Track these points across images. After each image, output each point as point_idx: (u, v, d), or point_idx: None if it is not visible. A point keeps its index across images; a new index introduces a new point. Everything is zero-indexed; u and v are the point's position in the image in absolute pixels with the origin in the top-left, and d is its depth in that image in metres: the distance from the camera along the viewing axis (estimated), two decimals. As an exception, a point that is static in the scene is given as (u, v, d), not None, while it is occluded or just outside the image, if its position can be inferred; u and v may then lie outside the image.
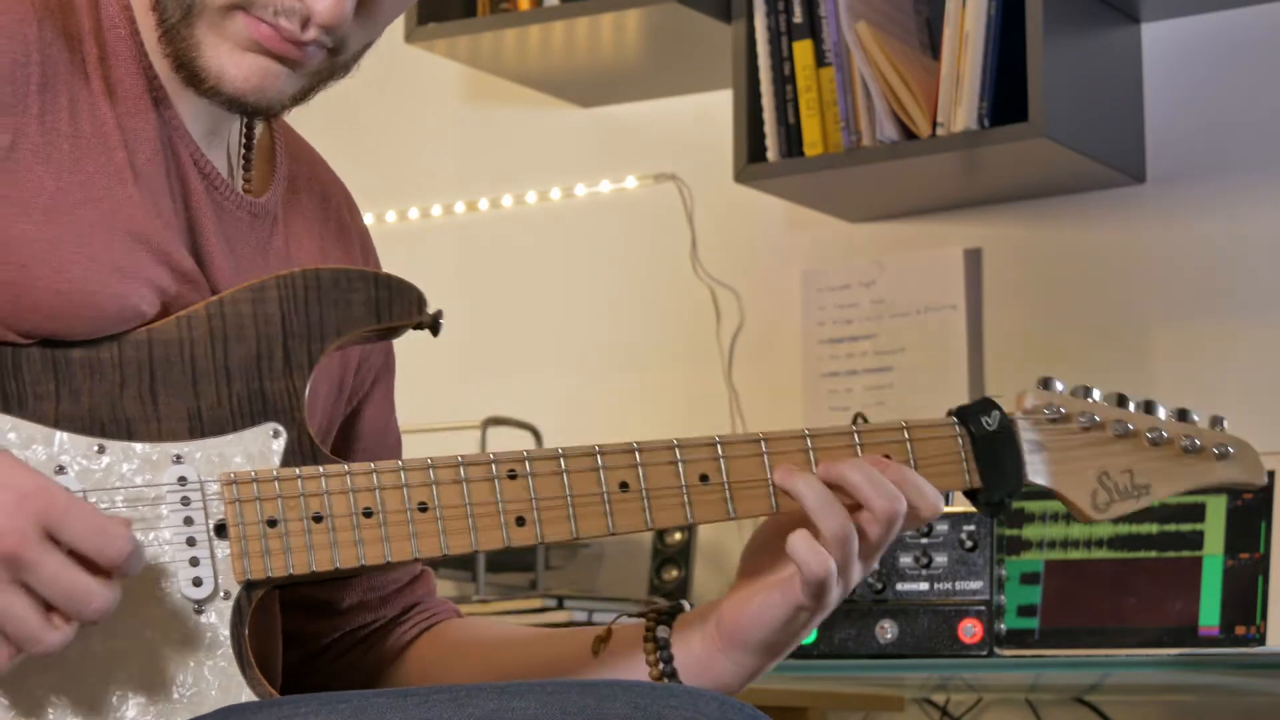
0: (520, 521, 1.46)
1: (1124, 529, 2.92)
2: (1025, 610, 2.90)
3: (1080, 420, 1.59)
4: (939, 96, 3.02)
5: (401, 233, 3.73)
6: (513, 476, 1.46)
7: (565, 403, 3.52)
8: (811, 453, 1.51)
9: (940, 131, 3.02)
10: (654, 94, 3.54)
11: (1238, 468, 1.65)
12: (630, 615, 1.58)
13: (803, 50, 3.14)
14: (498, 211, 3.70)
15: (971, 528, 2.60)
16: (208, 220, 1.53)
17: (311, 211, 1.64)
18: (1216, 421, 1.65)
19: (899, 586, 2.62)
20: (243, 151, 1.60)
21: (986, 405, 1.56)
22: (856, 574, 1.50)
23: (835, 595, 1.50)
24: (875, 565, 1.54)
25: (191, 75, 1.48)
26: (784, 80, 3.15)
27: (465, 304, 3.70)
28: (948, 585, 2.60)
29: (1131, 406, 1.62)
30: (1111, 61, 3.16)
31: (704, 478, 1.49)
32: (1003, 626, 2.59)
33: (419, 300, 1.49)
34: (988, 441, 1.55)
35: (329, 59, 1.50)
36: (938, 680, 2.95)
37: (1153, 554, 2.88)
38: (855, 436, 1.53)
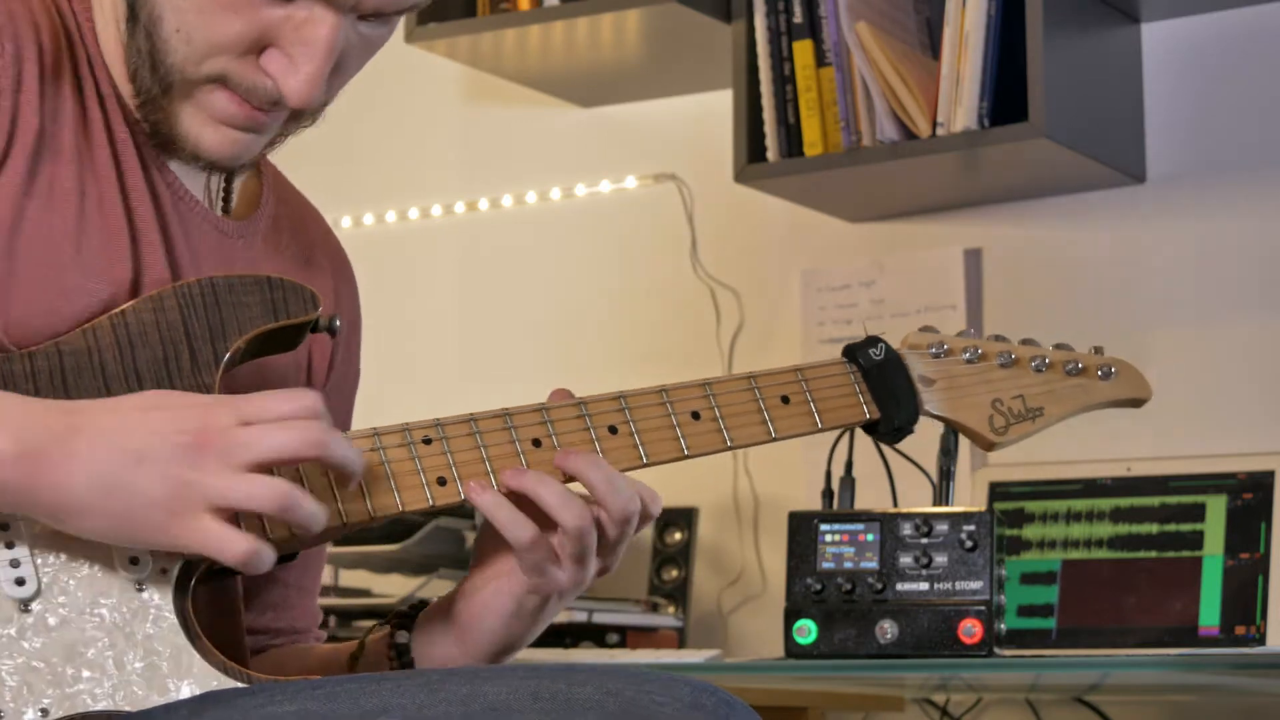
0: (441, 481, 1.51)
1: (1124, 529, 2.92)
2: (1041, 610, 2.90)
3: (964, 355, 1.66)
4: (939, 96, 3.02)
5: (401, 233, 3.73)
6: (428, 442, 1.51)
7: (565, 403, 3.52)
8: (713, 398, 1.58)
9: (940, 131, 3.01)
10: (654, 94, 3.54)
11: (1123, 385, 1.70)
12: (381, 624, 1.63)
13: (803, 50, 3.14)
14: (498, 211, 3.70)
15: (971, 528, 2.60)
16: (175, 234, 1.58)
17: (291, 259, 1.69)
18: (1097, 350, 1.70)
19: (899, 586, 2.61)
20: (222, 189, 1.65)
21: (872, 340, 1.64)
22: (593, 568, 1.54)
23: (566, 579, 1.53)
24: (617, 563, 1.57)
25: (168, 142, 1.55)
26: (784, 80, 3.15)
27: (465, 304, 3.70)
28: (948, 585, 2.59)
29: (1014, 341, 1.68)
30: (1111, 61, 3.16)
31: (613, 429, 1.55)
32: (1002, 626, 2.59)
33: (312, 298, 1.54)
34: (877, 371, 1.63)
35: (295, 115, 1.57)
36: (938, 680, 2.95)
37: (1153, 554, 2.89)
38: (752, 382, 1.60)
